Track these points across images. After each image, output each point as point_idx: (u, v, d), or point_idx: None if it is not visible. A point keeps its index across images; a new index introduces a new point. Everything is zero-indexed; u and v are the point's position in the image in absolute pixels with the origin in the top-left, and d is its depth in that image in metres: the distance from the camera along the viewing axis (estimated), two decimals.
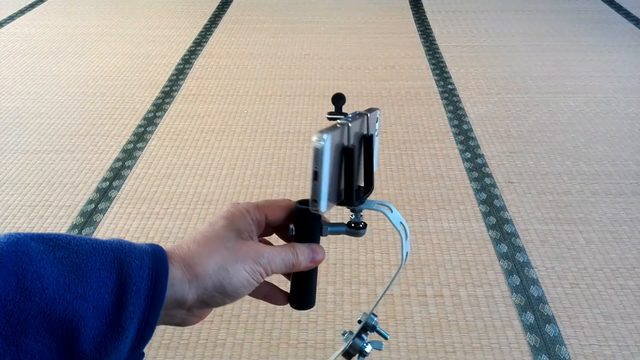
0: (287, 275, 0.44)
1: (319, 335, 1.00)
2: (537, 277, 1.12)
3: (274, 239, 0.45)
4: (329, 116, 0.41)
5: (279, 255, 0.40)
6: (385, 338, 0.45)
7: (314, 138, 0.37)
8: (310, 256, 0.42)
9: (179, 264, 0.37)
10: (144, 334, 0.36)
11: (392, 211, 0.43)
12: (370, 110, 0.44)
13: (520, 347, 0.99)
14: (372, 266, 1.15)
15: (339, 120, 0.40)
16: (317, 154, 0.37)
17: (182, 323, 0.40)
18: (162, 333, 1.01)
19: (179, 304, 0.37)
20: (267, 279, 0.42)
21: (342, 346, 0.44)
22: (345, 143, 0.40)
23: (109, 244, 0.36)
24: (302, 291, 0.44)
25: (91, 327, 0.33)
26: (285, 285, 0.45)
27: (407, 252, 0.43)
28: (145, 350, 1.08)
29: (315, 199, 0.38)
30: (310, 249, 0.42)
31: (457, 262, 1.16)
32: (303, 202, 0.42)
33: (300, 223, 0.42)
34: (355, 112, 0.42)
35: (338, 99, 0.42)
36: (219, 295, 0.38)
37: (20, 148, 1.55)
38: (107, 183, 1.40)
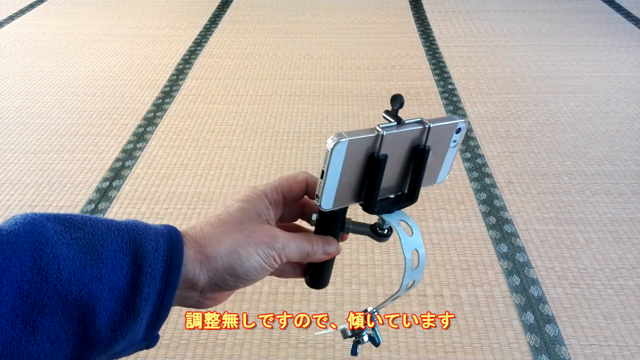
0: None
1: (319, 335, 1.00)
2: (537, 277, 1.12)
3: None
4: (385, 115, 0.39)
5: (294, 242, 0.40)
6: (376, 344, 0.44)
7: (329, 138, 0.37)
8: (324, 248, 0.42)
9: (192, 245, 0.37)
10: (159, 316, 0.36)
11: (412, 234, 0.41)
12: (444, 119, 0.40)
13: (520, 347, 0.99)
14: (372, 266, 1.15)
15: (377, 126, 0.38)
16: (326, 155, 0.37)
17: (197, 305, 0.39)
18: (162, 333, 1.01)
19: (191, 285, 0.37)
20: None
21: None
22: (376, 151, 0.38)
23: (124, 225, 0.36)
24: (317, 270, 0.44)
25: (106, 308, 0.33)
26: None
27: (413, 281, 0.41)
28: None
29: (317, 194, 0.38)
30: (324, 241, 0.42)
31: (457, 262, 1.16)
32: None
33: (323, 214, 0.42)
34: (416, 120, 0.39)
35: (394, 101, 0.39)
36: (230, 278, 0.38)
37: (20, 148, 1.55)
38: (107, 183, 1.40)
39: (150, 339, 0.37)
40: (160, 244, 0.35)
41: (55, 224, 0.34)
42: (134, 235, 0.35)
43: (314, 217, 0.43)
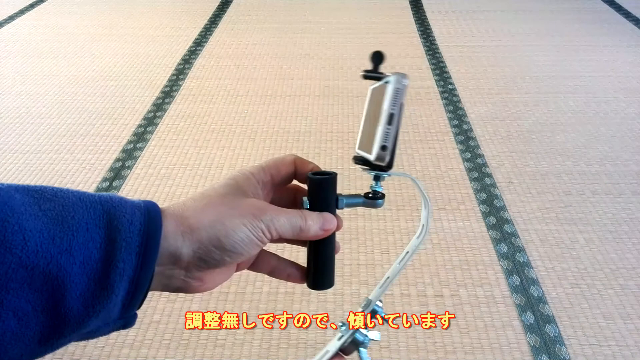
0: (302, 244, 0.42)
1: (319, 335, 1.00)
2: (537, 277, 1.12)
3: None
4: (366, 74, 0.38)
5: (284, 215, 0.38)
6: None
7: (395, 78, 0.35)
8: (320, 223, 0.39)
9: (173, 218, 0.35)
10: (135, 294, 0.33)
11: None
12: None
13: (520, 347, 0.99)
14: (372, 266, 1.15)
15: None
16: (398, 94, 0.34)
17: (184, 287, 0.37)
18: (162, 333, 1.01)
19: (174, 260, 0.35)
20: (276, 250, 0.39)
21: (338, 340, 0.41)
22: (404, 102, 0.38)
23: (97, 198, 0.34)
24: (317, 268, 0.41)
25: (78, 283, 0.31)
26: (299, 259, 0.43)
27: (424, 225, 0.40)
28: (146, 349, 1.08)
29: (385, 144, 0.36)
30: (320, 216, 0.39)
31: (457, 262, 1.16)
32: (316, 173, 0.40)
33: (314, 194, 0.40)
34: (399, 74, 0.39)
35: (375, 58, 0.40)
36: (216, 251, 0.36)
37: (20, 148, 1.55)
38: (107, 183, 1.40)
39: (126, 318, 0.35)
40: (137, 217, 0.33)
41: (24, 195, 0.32)
42: (108, 208, 0.33)
43: (305, 199, 0.40)
